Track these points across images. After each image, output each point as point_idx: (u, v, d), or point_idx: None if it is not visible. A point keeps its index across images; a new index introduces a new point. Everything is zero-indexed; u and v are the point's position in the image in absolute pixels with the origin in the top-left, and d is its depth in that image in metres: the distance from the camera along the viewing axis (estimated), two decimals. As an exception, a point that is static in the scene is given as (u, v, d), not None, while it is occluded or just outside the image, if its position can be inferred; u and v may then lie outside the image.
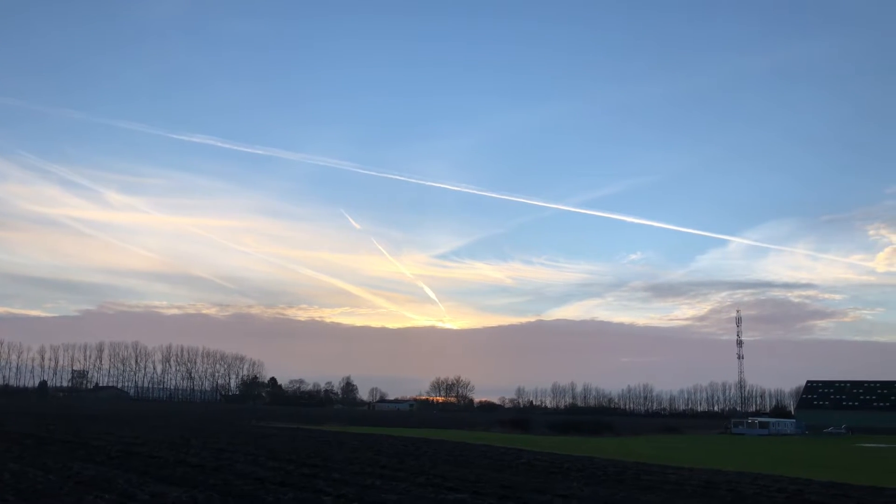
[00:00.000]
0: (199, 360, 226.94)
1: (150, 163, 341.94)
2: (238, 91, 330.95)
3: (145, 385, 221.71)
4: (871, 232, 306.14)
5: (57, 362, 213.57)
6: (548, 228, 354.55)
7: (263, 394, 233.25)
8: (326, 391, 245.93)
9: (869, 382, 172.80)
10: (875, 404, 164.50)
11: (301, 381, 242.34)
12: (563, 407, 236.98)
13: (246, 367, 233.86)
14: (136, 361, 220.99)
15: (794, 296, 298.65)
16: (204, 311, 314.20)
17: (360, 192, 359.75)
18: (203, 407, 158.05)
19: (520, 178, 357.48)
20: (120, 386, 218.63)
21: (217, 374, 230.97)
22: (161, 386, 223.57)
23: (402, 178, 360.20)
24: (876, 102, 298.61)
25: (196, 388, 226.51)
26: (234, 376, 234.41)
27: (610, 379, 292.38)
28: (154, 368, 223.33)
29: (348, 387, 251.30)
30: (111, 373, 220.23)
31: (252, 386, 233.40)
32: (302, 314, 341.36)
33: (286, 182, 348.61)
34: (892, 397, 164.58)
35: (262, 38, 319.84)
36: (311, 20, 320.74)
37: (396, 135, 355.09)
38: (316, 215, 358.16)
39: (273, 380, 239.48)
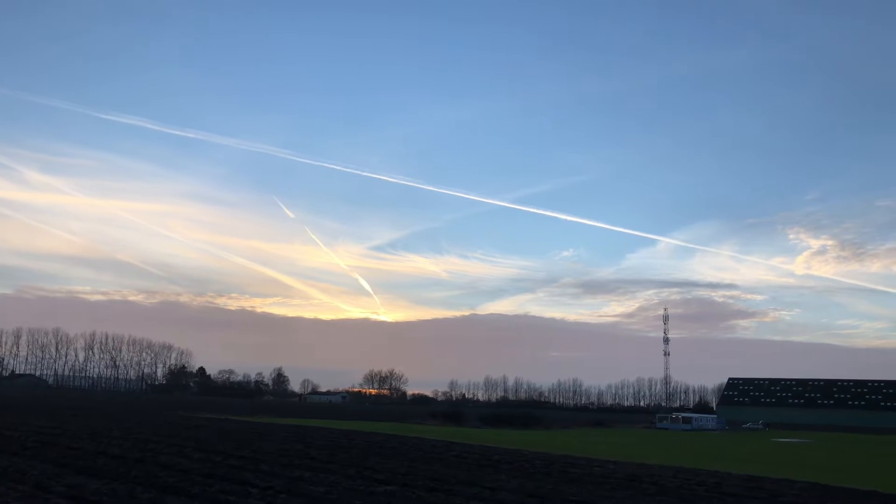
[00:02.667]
0: (124, 348, 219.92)
1: (73, 142, 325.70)
2: (170, 73, 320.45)
3: (66, 373, 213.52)
4: (791, 236, 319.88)
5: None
6: (483, 223, 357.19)
7: (191, 384, 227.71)
8: (257, 382, 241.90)
9: (786, 380, 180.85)
10: (790, 401, 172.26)
11: (231, 372, 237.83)
12: (494, 400, 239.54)
13: (173, 356, 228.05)
14: (57, 348, 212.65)
15: (717, 295, 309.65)
16: (130, 298, 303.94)
17: (294, 181, 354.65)
18: (127, 396, 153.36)
19: (456, 172, 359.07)
20: (38, 374, 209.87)
21: (143, 363, 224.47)
22: (83, 374, 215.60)
23: (339, 168, 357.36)
24: (797, 111, 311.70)
25: (121, 376, 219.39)
26: (160, 365, 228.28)
27: (541, 373, 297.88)
28: (76, 356, 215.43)
29: (279, 378, 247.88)
30: (29, 360, 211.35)
31: (179, 375, 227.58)
32: (232, 303, 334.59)
33: (218, 167, 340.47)
34: (807, 395, 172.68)
35: (198, 21, 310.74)
36: (249, 6, 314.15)
37: (334, 124, 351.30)
38: (249, 203, 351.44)
39: (202, 370, 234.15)
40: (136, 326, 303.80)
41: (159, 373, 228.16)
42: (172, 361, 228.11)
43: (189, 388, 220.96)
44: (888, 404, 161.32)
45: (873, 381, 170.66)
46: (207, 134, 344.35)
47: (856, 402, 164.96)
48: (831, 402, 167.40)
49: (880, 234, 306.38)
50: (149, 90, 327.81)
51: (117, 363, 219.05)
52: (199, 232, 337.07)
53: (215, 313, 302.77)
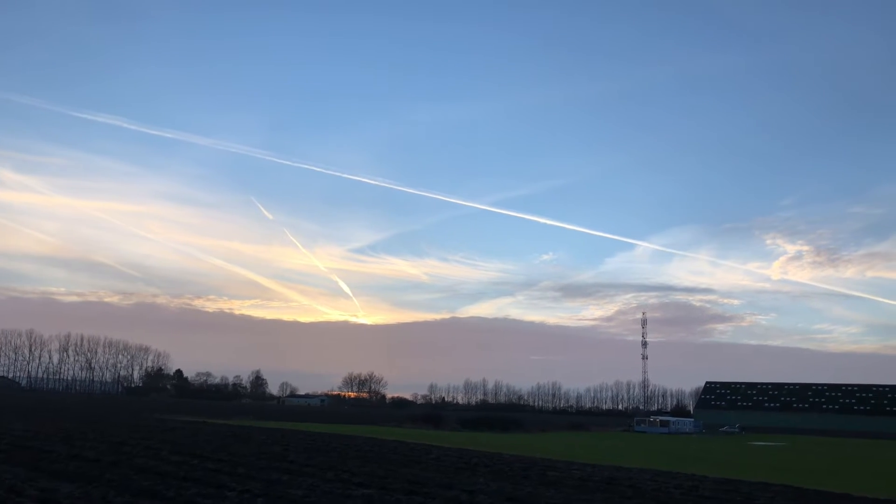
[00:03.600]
0: (99, 350, 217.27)
1: (48, 141, 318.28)
2: (148, 72, 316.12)
3: (40, 375, 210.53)
4: (768, 241, 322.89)
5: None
6: (464, 226, 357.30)
7: (168, 386, 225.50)
8: (235, 385, 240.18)
9: (762, 384, 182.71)
10: (766, 405, 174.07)
11: (208, 374, 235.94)
12: (474, 403, 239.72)
13: (150, 358, 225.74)
14: (31, 350, 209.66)
15: (695, 300, 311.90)
16: (106, 300, 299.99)
17: (273, 182, 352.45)
18: (103, 399, 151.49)
19: (438, 175, 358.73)
20: (11, 376, 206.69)
21: (119, 365, 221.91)
22: (57, 377, 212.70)
23: (319, 169, 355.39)
24: (774, 117, 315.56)
25: (96, 379, 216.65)
26: (137, 368, 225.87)
27: (520, 376, 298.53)
28: (50, 358, 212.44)
29: (258, 381, 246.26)
30: (2, 362, 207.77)
31: (156, 378, 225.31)
32: (210, 305, 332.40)
33: (196, 168, 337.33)
34: (782, 398, 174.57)
35: (177, 20, 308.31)
36: (229, 5, 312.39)
37: (313, 125, 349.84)
38: (227, 203, 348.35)
39: (179, 372, 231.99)
40: (112, 328, 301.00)
41: (135, 375, 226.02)
42: (149, 364, 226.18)
43: (166, 391, 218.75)
44: (861, 408, 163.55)
45: (847, 385, 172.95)
46: (185, 134, 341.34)
47: (829, 406, 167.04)
48: (806, 405, 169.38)
49: (854, 240, 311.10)
50: (126, 89, 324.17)
51: (92, 365, 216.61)
52: (177, 233, 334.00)
53: (193, 315, 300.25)
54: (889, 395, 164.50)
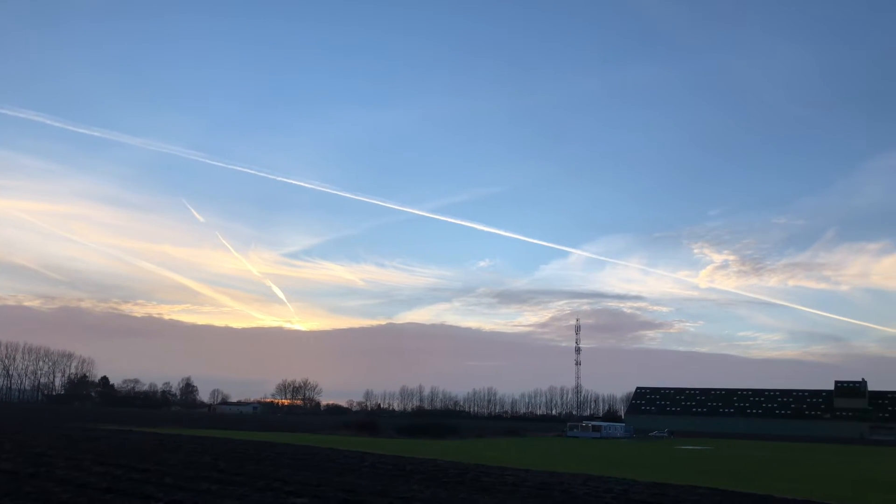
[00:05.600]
0: (18, 357, 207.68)
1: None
2: (73, 69, 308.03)
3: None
4: (696, 250, 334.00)
5: None
6: (401, 232, 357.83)
7: (93, 394, 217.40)
8: (164, 392, 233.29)
9: (690, 389, 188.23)
10: (694, 410, 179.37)
11: (136, 381, 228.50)
12: (410, 410, 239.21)
13: (74, 364, 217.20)
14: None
15: (626, 307, 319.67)
16: (26, 304, 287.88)
17: (205, 184, 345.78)
18: (21, 407, 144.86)
19: (375, 180, 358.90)
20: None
21: (40, 372, 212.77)
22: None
23: (252, 172, 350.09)
24: (705, 128, 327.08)
25: (14, 387, 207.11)
26: (59, 375, 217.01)
27: (457, 382, 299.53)
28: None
29: (188, 388, 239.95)
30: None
31: (80, 385, 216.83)
32: (138, 310, 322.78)
33: (124, 168, 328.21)
34: (709, 403, 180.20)
35: (106, 18, 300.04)
36: (161, 7, 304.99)
37: (247, 127, 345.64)
38: (157, 205, 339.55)
39: (104, 379, 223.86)
40: (33, 333, 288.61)
41: (57, 382, 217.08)
42: (72, 370, 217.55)
43: (90, 399, 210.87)
44: (782, 412, 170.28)
45: (769, 391, 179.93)
46: (114, 133, 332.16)
47: (753, 411, 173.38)
48: (731, 410, 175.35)
49: (777, 251, 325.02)
50: (51, 88, 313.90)
51: (10, 372, 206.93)
52: (103, 235, 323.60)
53: (120, 320, 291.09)
54: (808, 400, 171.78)
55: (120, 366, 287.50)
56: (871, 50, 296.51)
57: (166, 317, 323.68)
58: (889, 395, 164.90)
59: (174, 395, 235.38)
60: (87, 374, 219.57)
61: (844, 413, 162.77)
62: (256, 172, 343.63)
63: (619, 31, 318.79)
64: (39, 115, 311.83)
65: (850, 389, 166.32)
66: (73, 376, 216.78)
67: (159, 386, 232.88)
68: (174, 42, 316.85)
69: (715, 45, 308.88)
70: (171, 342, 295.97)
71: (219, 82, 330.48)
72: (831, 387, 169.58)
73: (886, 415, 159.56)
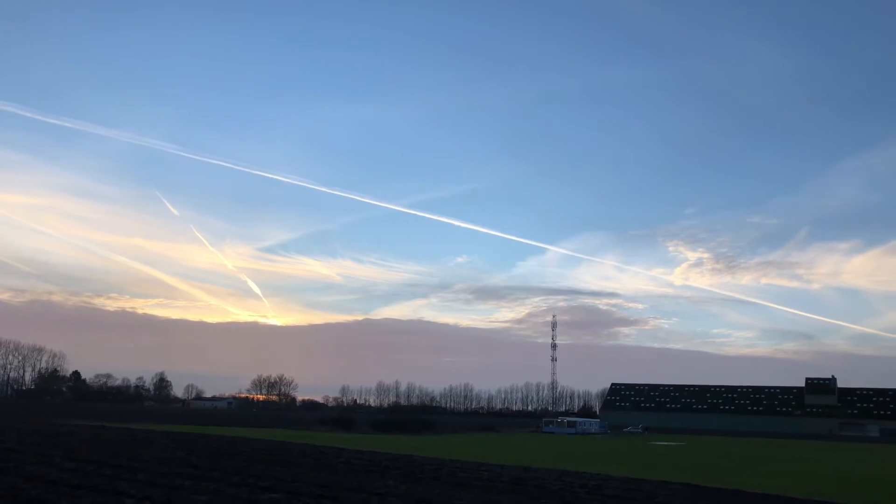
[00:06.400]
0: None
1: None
2: (45, 55, 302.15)
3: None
4: (671, 248, 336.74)
5: None
6: (378, 228, 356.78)
7: (64, 389, 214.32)
8: (137, 387, 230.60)
9: (664, 386, 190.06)
10: (668, 406, 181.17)
11: (109, 376, 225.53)
12: (386, 405, 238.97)
13: (44, 359, 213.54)
14: None
15: (602, 303, 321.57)
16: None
17: (180, 177, 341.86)
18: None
19: (353, 175, 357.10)
20: None
21: (9, 367, 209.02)
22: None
23: (229, 165, 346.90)
24: (681, 128, 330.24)
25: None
26: (29, 369, 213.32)
27: (433, 378, 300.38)
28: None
29: (161, 383, 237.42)
30: None
31: (51, 380, 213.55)
32: (111, 304, 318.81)
33: (98, 160, 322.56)
34: (683, 400, 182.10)
35: (80, 8, 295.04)
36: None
37: (224, 120, 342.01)
38: (130, 198, 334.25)
39: (76, 374, 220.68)
40: (2, 327, 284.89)
41: (27, 377, 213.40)
42: (43, 365, 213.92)
43: (61, 394, 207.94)
44: (754, 409, 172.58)
45: (742, 387, 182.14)
46: (87, 124, 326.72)
47: (726, 407, 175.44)
48: (705, 406, 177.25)
49: (750, 249, 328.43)
50: (21, 76, 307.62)
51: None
52: (76, 227, 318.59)
53: (92, 314, 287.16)
54: (780, 397, 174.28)
55: (92, 360, 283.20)
56: (844, 52, 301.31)
57: (140, 311, 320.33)
58: (858, 392, 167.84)
59: (147, 390, 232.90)
60: (58, 369, 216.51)
61: (815, 409, 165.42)
62: (233, 166, 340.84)
63: (599, 31, 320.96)
64: (10, 105, 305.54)
65: (821, 386, 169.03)
66: (43, 371, 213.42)
67: (132, 381, 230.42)
68: (150, 32, 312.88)
69: (691, 47, 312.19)
70: (145, 337, 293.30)
71: (195, 74, 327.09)
72: (802, 384, 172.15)
73: (855, 411, 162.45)
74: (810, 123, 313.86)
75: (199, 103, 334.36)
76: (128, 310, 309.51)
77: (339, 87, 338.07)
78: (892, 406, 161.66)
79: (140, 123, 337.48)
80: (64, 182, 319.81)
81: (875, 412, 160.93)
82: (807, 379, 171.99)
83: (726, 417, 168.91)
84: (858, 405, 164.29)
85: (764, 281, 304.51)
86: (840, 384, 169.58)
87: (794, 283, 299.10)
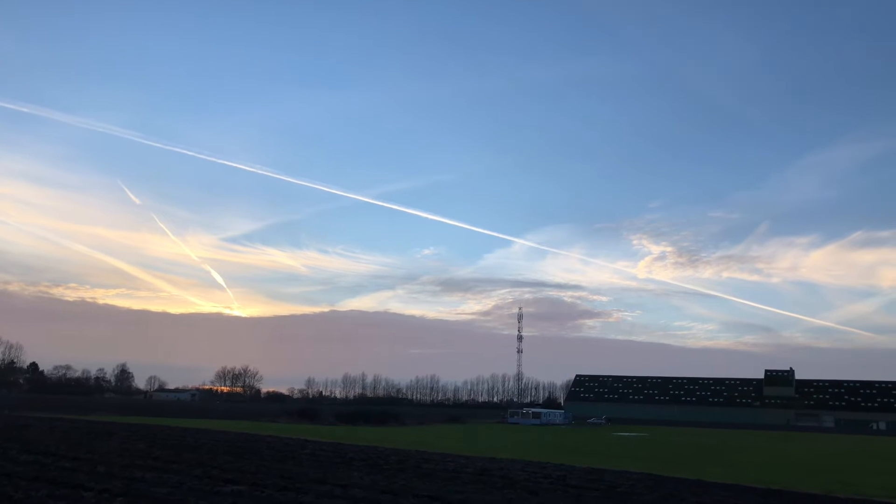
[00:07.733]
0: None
1: None
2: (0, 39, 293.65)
3: None
4: (635, 241, 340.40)
5: None
6: (345, 218, 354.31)
7: (21, 381, 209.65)
8: (97, 379, 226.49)
9: (627, 377, 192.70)
10: (631, 397, 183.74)
11: (68, 367, 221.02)
12: (352, 397, 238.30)
13: (0, 350, 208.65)
14: None
15: (566, 296, 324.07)
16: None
17: (142, 165, 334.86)
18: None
19: (318, 165, 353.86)
20: None
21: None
22: None
23: (191, 154, 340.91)
24: (646, 121, 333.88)
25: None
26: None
27: (400, 370, 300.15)
28: None
29: (123, 374, 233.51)
30: None
31: (7, 372, 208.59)
32: (70, 294, 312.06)
33: (56, 146, 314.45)
34: (645, 391, 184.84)
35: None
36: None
37: (187, 108, 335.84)
38: (89, 186, 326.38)
39: (34, 365, 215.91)
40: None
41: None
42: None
43: (18, 386, 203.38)
44: (714, 400, 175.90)
45: (703, 379, 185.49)
46: (44, 109, 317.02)
47: (687, 399, 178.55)
48: (667, 398, 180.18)
49: (712, 243, 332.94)
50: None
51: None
52: (33, 215, 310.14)
53: (50, 304, 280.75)
54: (740, 388, 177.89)
55: (50, 352, 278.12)
56: (808, 48, 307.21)
57: (100, 301, 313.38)
58: (814, 384, 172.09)
59: (108, 381, 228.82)
60: (15, 361, 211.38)
61: (773, 401, 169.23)
62: (196, 154, 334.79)
63: (569, 24, 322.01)
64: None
65: (779, 378, 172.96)
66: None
67: (92, 372, 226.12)
68: (110, 16, 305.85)
69: (658, 40, 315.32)
70: (105, 327, 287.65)
71: (157, 60, 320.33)
72: (761, 375, 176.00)
73: (812, 402, 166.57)
74: (773, 119, 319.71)
75: (160, 89, 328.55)
76: (88, 300, 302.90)
77: (306, 74, 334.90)
78: (846, 397, 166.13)
79: (100, 109, 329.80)
80: (21, 168, 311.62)
81: (830, 403, 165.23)
82: (766, 371, 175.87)
83: (688, 409, 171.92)
84: (815, 396, 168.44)
85: (725, 275, 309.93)
86: (798, 376, 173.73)
87: (755, 277, 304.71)
